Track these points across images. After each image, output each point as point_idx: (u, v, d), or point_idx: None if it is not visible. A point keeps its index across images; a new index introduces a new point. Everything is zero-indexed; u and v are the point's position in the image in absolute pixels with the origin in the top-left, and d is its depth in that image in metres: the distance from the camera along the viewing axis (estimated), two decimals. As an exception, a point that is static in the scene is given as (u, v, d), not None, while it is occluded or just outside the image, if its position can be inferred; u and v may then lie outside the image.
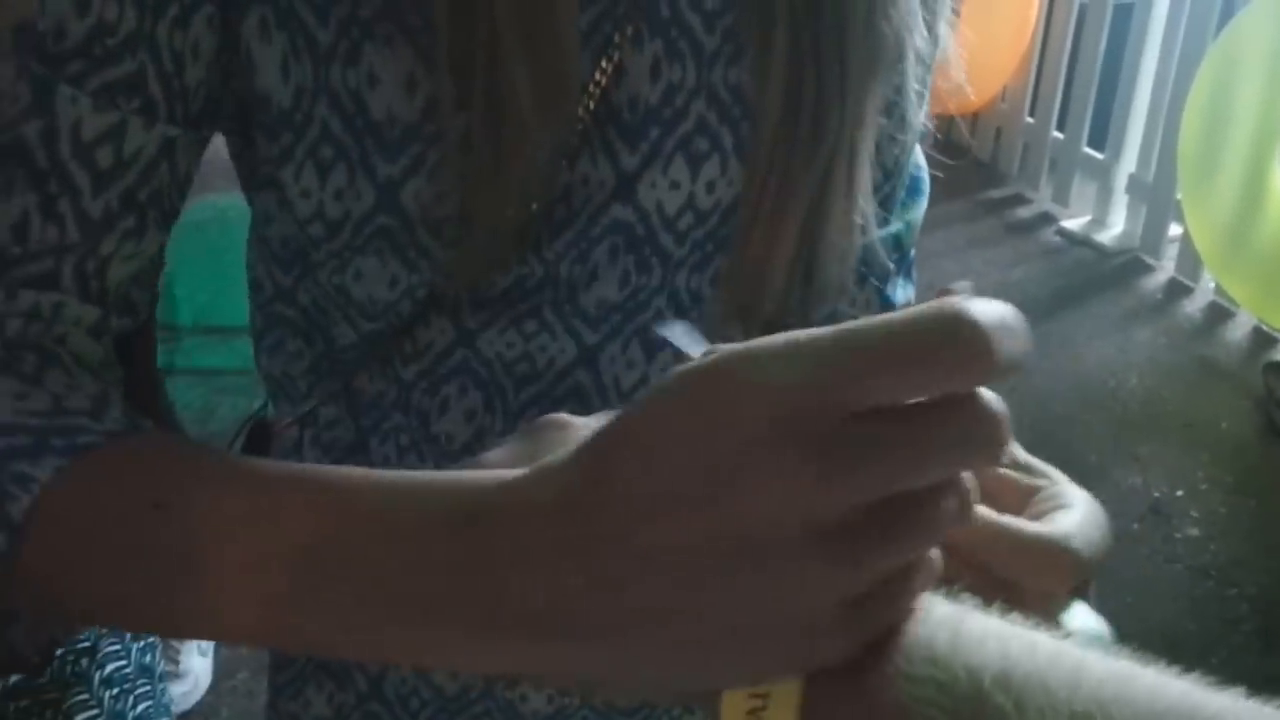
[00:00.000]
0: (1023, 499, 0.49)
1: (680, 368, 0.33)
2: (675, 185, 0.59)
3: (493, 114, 0.52)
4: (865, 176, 0.60)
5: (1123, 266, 3.81)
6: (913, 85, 0.63)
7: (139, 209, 0.54)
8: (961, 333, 0.30)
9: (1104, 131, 4.01)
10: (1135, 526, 2.61)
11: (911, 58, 0.61)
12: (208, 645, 2.17)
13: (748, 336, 0.33)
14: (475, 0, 0.51)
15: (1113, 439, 2.93)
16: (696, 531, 0.32)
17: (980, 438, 0.32)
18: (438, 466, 0.62)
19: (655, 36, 0.56)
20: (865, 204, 0.61)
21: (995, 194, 4.28)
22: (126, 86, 0.52)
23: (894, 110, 0.63)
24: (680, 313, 0.62)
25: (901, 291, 0.72)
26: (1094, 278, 3.75)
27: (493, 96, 0.52)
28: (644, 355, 0.62)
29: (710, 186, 0.59)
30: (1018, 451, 0.50)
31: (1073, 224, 4.03)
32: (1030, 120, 4.34)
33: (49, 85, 0.51)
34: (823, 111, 0.57)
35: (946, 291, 0.35)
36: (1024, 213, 4.20)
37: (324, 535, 0.39)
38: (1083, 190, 4.13)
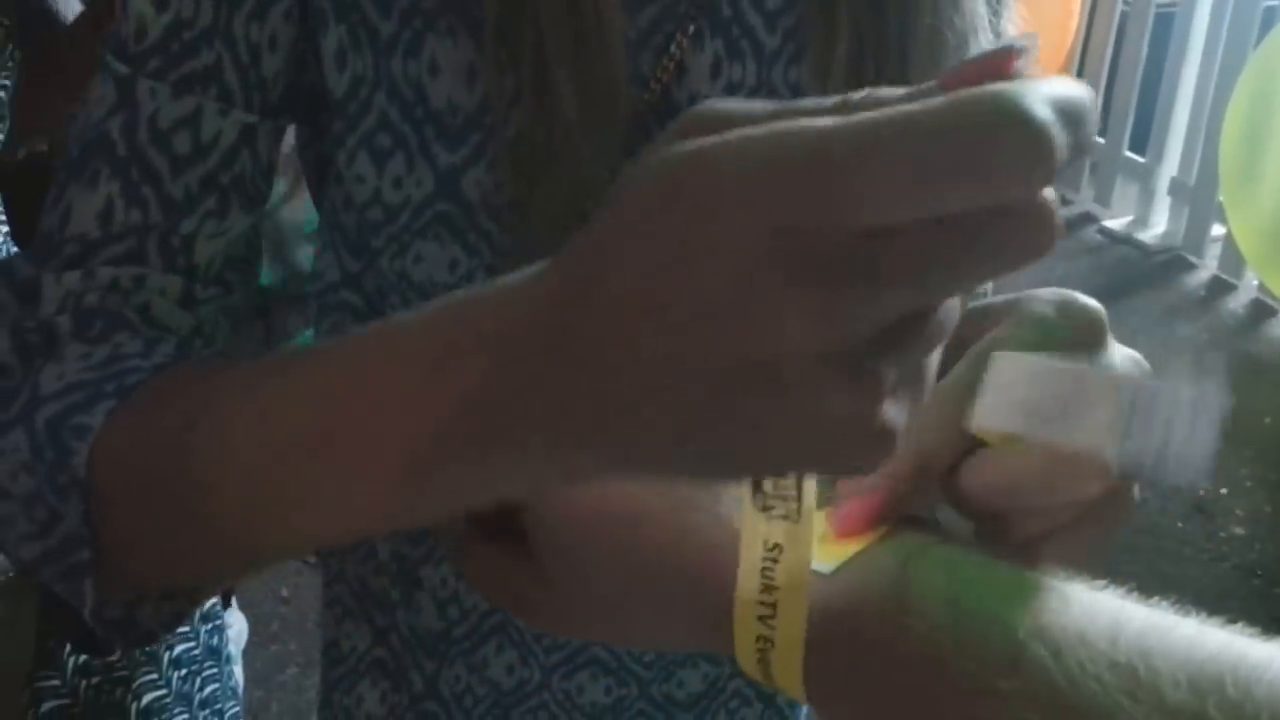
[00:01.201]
0: None
1: (659, 155, 0.28)
2: None
3: (541, 112, 0.53)
4: None
5: (1165, 264, 3.80)
6: None
7: (221, 191, 0.56)
8: (1015, 137, 0.25)
9: (1145, 136, 3.99)
10: (1180, 525, 2.59)
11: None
12: (238, 653, 2.18)
13: None
14: (523, 3, 0.52)
15: None
16: (697, 355, 0.28)
17: (1022, 245, 0.27)
18: None
19: (716, 35, 0.57)
20: None
21: (1035, 196, 4.27)
22: (203, 77, 0.54)
23: None
24: None
25: None
26: (1136, 275, 3.74)
27: (540, 96, 0.53)
28: None
29: None
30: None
31: (1115, 223, 4.03)
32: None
33: (130, 81, 0.54)
34: None
35: (998, 57, 0.28)
36: (1065, 213, 4.18)
37: (329, 416, 0.38)
38: (1124, 192, 4.11)
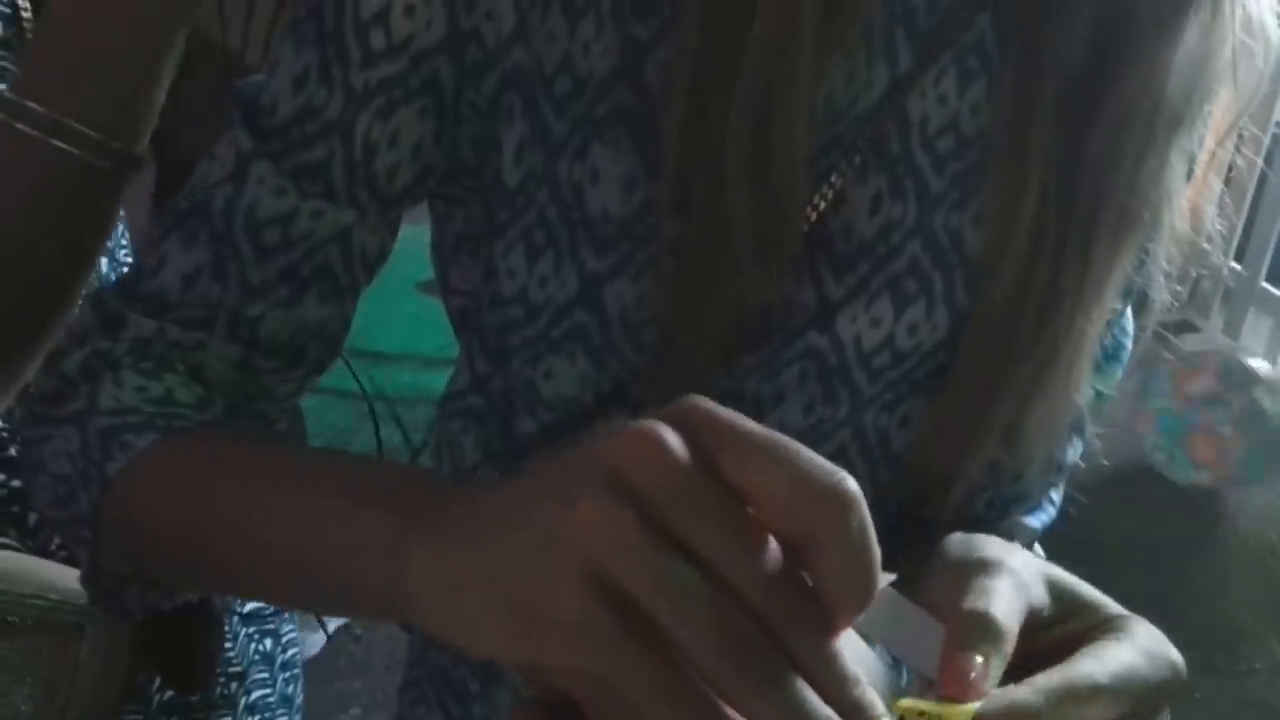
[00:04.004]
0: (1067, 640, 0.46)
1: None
2: (876, 323, 0.58)
3: (709, 233, 0.53)
4: (1090, 358, 0.59)
5: (1293, 413, 3.66)
6: (1160, 265, 0.61)
7: (300, 281, 0.59)
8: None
9: (1286, 269, 3.89)
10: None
11: (1166, 237, 0.59)
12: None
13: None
14: (707, 118, 0.52)
15: (1270, 602, 2.78)
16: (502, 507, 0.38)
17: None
18: None
19: (881, 171, 0.56)
20: (1085, 380, 0.59)
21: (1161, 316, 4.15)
22: (312, 170, 0.56)
23: (1129, 293, 0.61)
24: (865, 450, 0.61)
25: (1072, 451, 0.70)
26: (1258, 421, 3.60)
27: (711, 217, 0.53)
28: None
29: (912, 329, 0.58)
30: (1067, 581, 0.48)
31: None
32: (1206, 247, 4.22)
33: (247, 160, 0.56)
34: (1057, 293, 0.56)
35: None
36: (1191, 342, 4.07)
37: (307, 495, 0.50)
38: (1256, 326, 3.99)
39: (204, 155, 0.59)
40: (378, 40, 0.53)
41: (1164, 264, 0.61)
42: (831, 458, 0.60)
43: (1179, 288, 0.62)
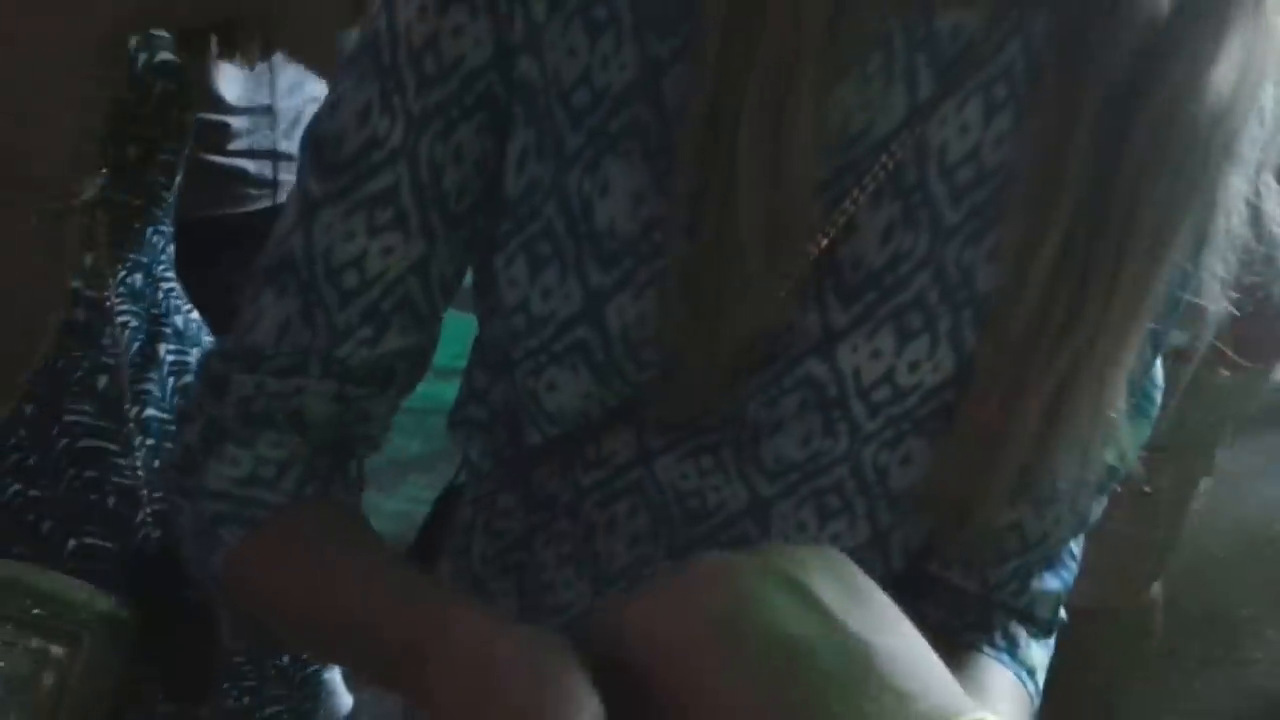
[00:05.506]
0: None
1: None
2: (877, 355, 0.56)
3: (718, 253, 0.52)
4: (1118, 404, 0.56)
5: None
6: (1216, 273, 0.56)
7: (381, 318, 0.59)
8: None
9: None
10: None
11: (1222, 244, 0.55)
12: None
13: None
14: (720, 138, 0.51)
15: (1272, 592, 2.70)
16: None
17: None
18: (593, 589, 0.64)
19: (895, 199, 0.54)
20: (1114, 432, 0.56)
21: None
22: (382, 200, 0.56)
23: (1159, 347, 0.58)
24: (863, 487, 0.60)
25: (1097, 507, 0.66)
26: (1265, 408, 3.47)
27: (721, 235, 0.52)
28: (817, 520, 0.60)
29: (913, 366, 0.57)
30: None
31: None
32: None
33: (313, 205, 0.58)
34: (1074, 331, 0.53)
35: None
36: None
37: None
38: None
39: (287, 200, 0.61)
40: (430, 65, 0.54)
41: (1221, 272, 0.56)
42: (828, 493, 0.60)
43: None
